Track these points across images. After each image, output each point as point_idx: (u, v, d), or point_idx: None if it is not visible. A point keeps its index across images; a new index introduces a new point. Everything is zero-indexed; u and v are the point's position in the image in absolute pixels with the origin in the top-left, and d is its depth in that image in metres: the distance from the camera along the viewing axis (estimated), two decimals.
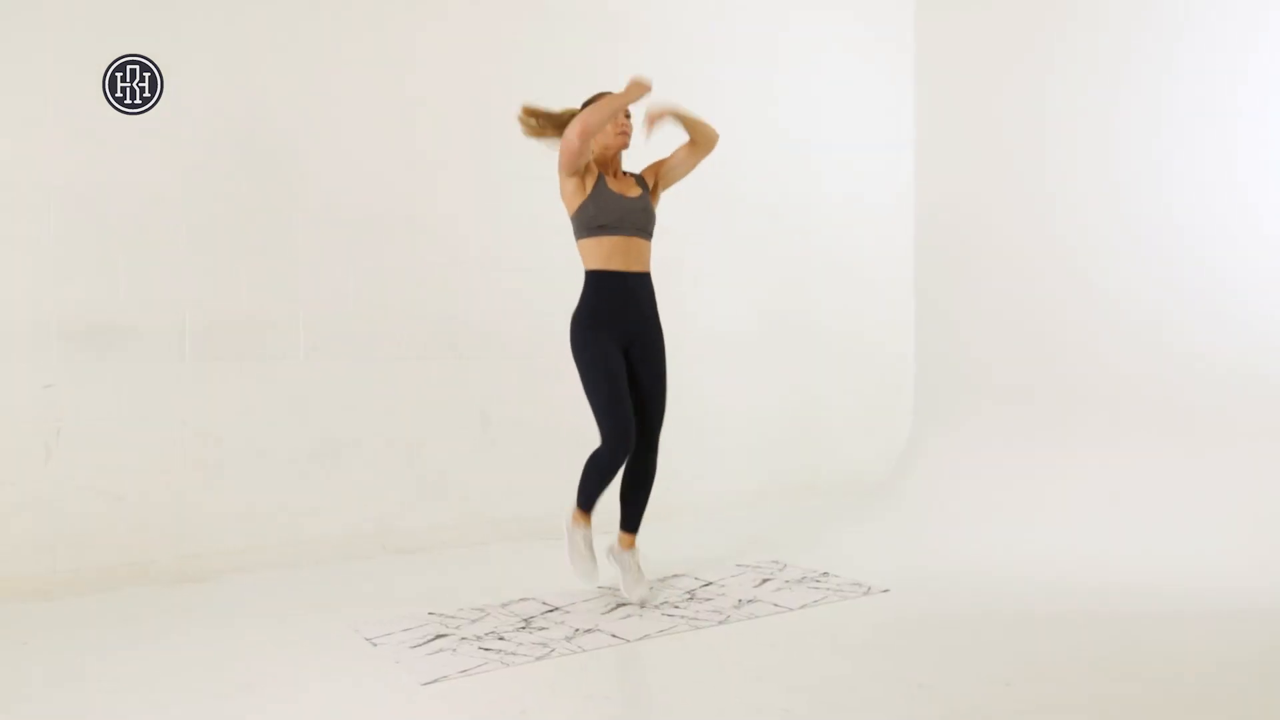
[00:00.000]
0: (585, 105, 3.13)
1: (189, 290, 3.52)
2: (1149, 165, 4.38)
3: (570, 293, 3.13)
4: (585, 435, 3.22)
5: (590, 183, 3.06)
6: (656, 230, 3.18)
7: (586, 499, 3.12)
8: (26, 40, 3.26)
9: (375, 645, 2.66)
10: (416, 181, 4.00)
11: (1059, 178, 4.77)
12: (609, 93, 3.09)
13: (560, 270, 3.57)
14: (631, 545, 3.19)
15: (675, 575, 3.47)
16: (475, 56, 4.15)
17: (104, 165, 3.38)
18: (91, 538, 3.32)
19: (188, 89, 3.52)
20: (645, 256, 3.12)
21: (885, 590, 3.20)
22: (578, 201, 3.05)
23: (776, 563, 3.64)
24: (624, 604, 3.06)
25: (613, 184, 3.10)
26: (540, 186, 3.50)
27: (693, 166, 3.25)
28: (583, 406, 3.12)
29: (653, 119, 3.11)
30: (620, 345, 3.06)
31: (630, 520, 3.22)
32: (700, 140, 3.19)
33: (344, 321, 3.83)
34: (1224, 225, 4.11)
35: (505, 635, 2.73)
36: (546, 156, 3.13)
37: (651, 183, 3.23)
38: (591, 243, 3.06)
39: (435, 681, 2.36)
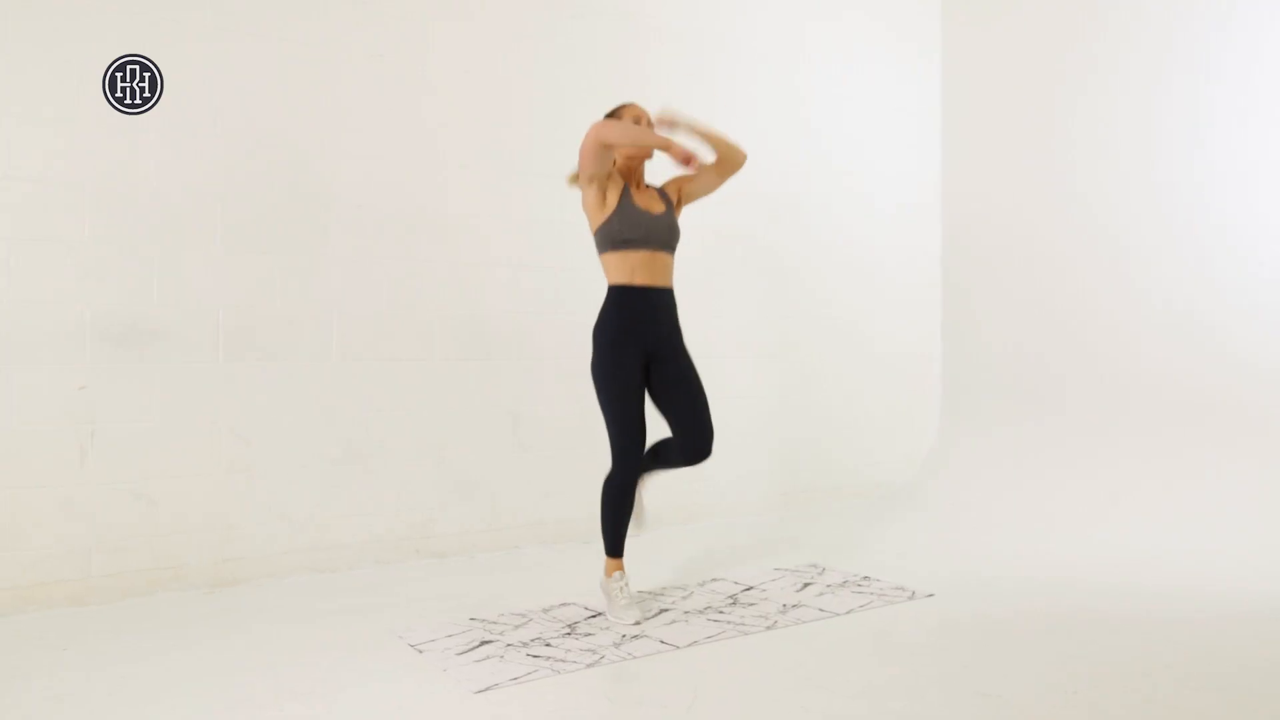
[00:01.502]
0: (609, 115, 3.06)
1: (222, 292, 3.48)
2: (1186, 163, 4.33)
3: (599, 294, 3.08)
4: None
5: (614, 197, 2.97)
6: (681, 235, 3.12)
7: (614, 540, 3.01)
8: (62, 40, 3.22)
9: (421, 652, 2.62)
10: (446, 183, 3.96)
11: (1089, 177, 4.72)
12: (631, 104, 3.06)
13: (589, 271, 3.53)
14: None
15: (714, 579, 3.44)
16: (503, 57, 4.12)
17: (139, 167, 3.34)
18: (126, 541, 3.28)
19: (220, 92, 3.49)
20: (669, 272, 3.05)
21: (930, 595, 3.17)
22: (602, 217, 2.97)
23: (815, 566, 3.61)
24: (667, 609, 3.03)
25: (638, 197, 3.02)
26: (567, 186, 3.47)
27: (717, 186, 3.18)
28: None
29: (664, 123, 3.04)
30: (642, 359, 2.97)
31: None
32: (727, 159, 3.11)
33: (375, 323, 3.79)
34: (1268, 224, 4.06)
35: (551, 641, 2.69)
36: (574, 157, 3.06)
37: (675, 198, 3.15)
38: (615, 257, 2.98)
39: (487, 690, 2.32)
